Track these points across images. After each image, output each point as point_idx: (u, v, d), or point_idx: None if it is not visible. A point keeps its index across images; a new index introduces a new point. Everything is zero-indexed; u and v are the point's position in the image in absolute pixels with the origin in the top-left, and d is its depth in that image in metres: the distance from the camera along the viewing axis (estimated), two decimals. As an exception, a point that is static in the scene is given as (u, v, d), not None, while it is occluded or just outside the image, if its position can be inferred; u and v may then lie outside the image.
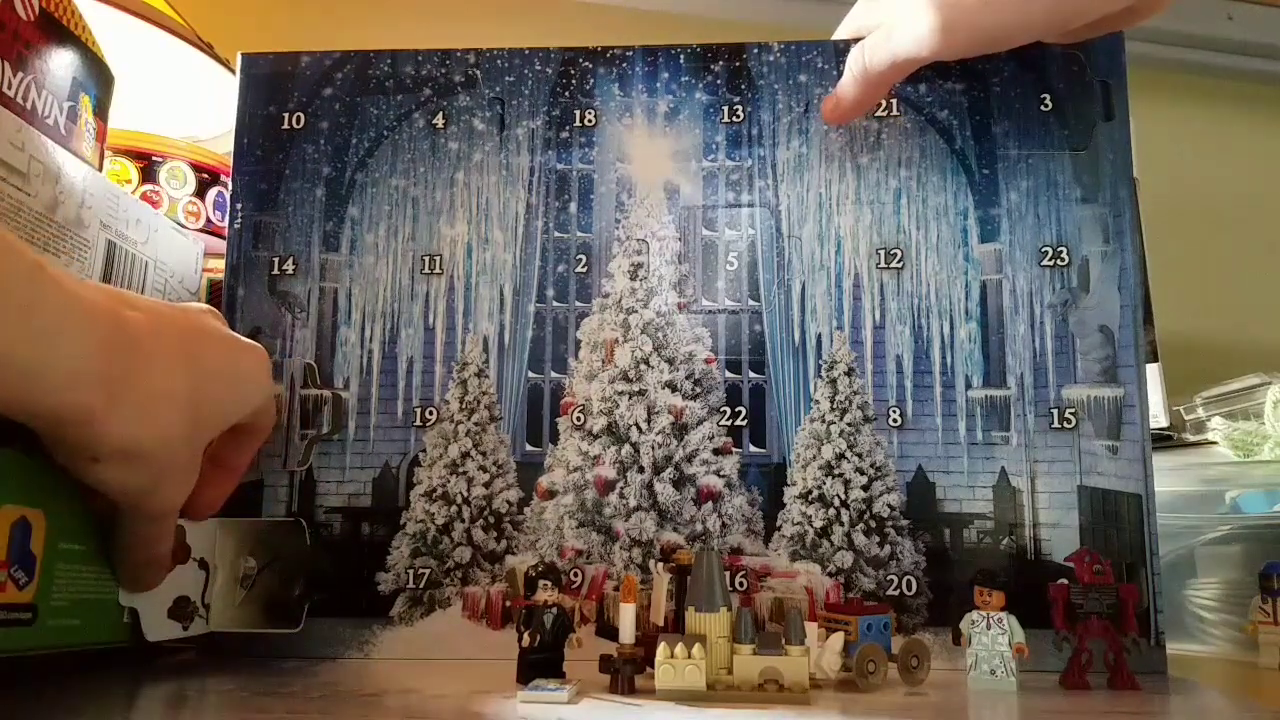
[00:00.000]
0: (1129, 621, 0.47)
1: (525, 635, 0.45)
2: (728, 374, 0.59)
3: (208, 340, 0.47)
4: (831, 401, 0.57)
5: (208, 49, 0.83)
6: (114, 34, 0.68)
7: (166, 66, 0.83)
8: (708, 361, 0.59)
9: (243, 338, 0.52)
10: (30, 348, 0.36)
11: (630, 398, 0.58)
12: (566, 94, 0.61)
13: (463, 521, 0.57)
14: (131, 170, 0.72)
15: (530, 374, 0.59)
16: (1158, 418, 0.80)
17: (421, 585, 0.56)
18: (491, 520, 0.57)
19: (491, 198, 0.61)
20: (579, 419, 0.58)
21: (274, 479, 0.58)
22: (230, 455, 0.52)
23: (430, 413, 0.58)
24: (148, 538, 0.46)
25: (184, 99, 0.89)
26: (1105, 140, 0.58)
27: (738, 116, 0.60)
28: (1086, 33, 0.57)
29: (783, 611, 0.54)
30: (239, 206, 0.61)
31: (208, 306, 0.51)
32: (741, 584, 0.56)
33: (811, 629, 0.46)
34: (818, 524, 0.56)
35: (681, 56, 0.61)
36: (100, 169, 0.56)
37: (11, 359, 0.36)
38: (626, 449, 0.58)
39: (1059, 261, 0.57)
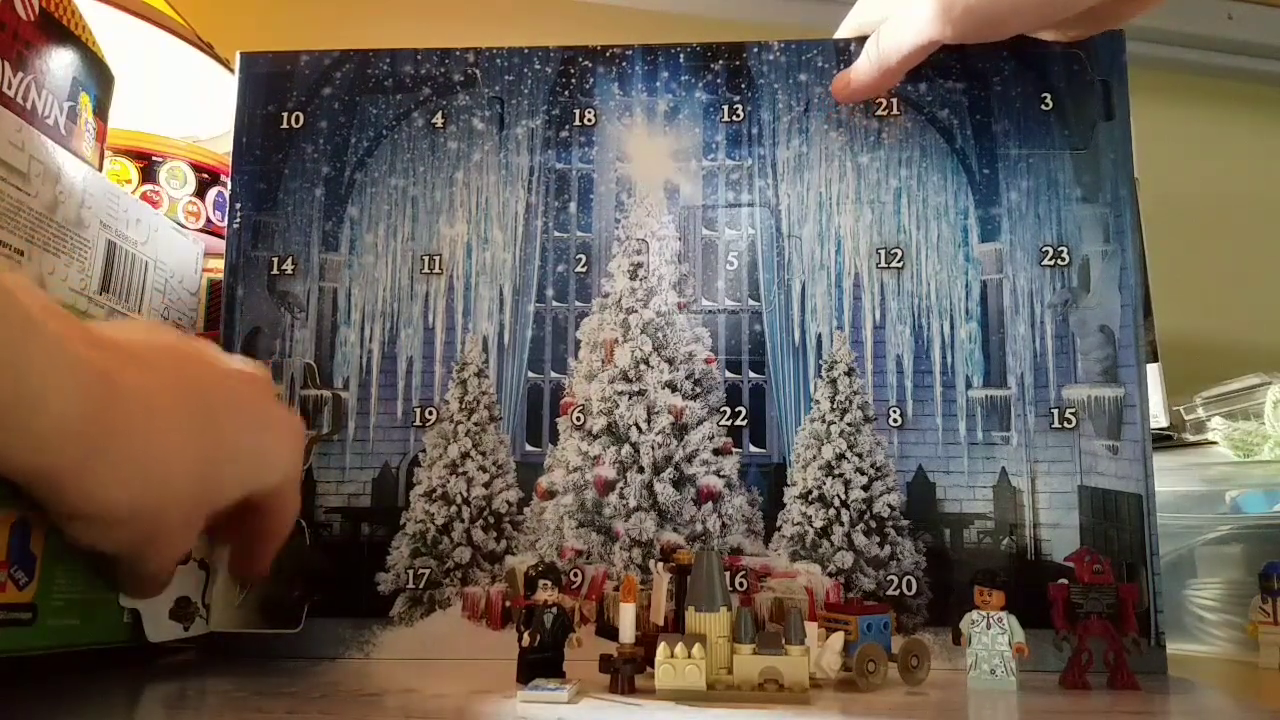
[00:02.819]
0: (1129, 621, 0.47)
1: (525, 635, 0.45)
2: (728, 374, 0.59)
3: (227, 410, 0.45)
4: (832, 401, 0.57)
5: (208, 49, 0.83)
6: (114, 34, 0.68)
7: (166, 66, 0.83)
8: (708, 361, 0.59)
9: (281, 410, 0.49)
10: (8, 408, 0.35)
11: (630, 398, 0.58)
12: (566, 93, 0.61)
13: (462, 522, 0.57)
14: (131, 170, 0.72)
15: (530, 374, 0.59)
16: (1158, 418, 0.80)
17: (421, 585, 0.56)
18: (491, 520, 0.57)
19: (491, 197, 0.61)
20: (579, 419, 0.58)
21: (274, 479, 0.57)
22: (250, 528, 0.50)
23: (430, 413, 0.58)
24: (141, 577, 0.45)
25: (184, 99, 0.89)
26: (1105, 140, 0.58)
27: (738, 116, 0.60)
28: (1088, 26, 0.57)
29: (783, 611, 0.54)
30: (238, 206, 0.61)
31: (257, 371, 0.49)
32: (741, 584, 0.56)
33: (811, 629, 0.46)
34: (818, 524, 0.56)
35: (681, 56, 0.61)
36: (100, 169, 0.56)
37: None
38: (626, 449, 0.58)
39: (1059, 261, 0.57)
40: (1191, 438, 0.80)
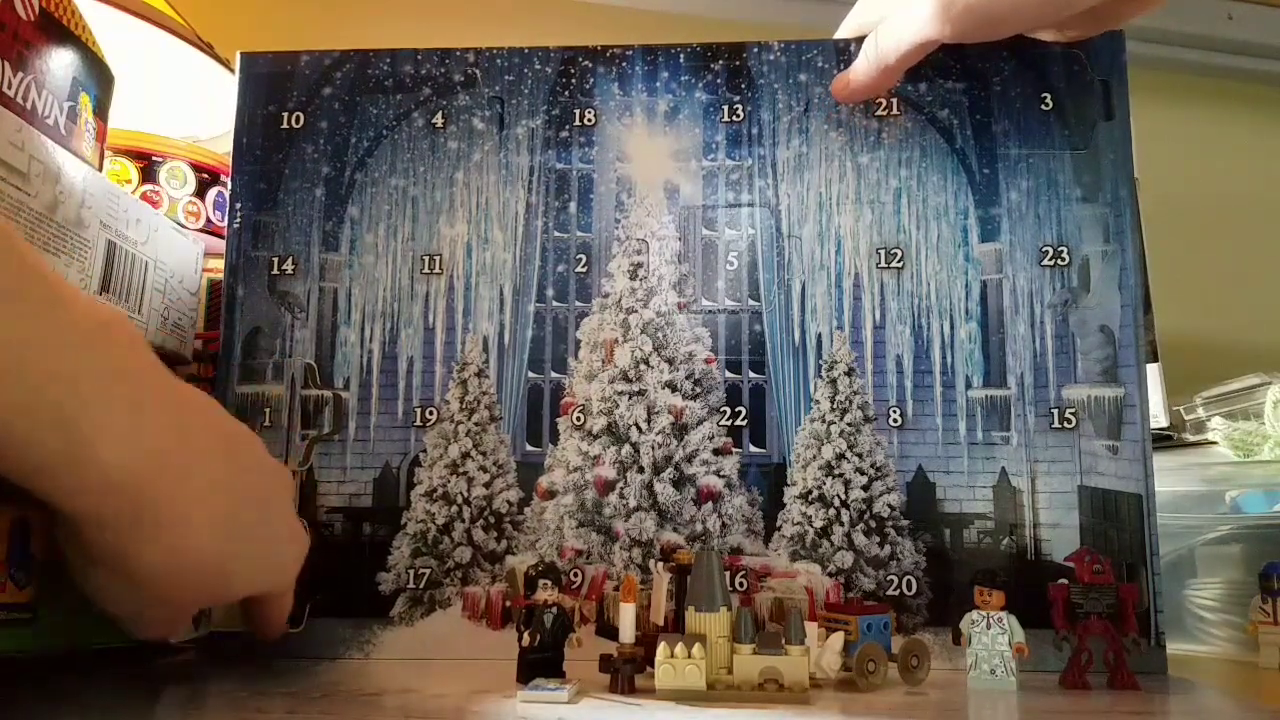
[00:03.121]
0: (1129, 621, 0.47)
1: (525, 635, 0.46)
2: (728, 374, 0.59)
3: (264, 508, 0.45)
4: (831, 401, 0.57)
5: (208, 49, 0.83)
6: (114, 34, 0.68)
7: (166, 66, 0.82)
8: (708, 361, 0.59)
9: (299, 523, 0.49)
10: (85, 439, 0.36)
11: (630, 398, 0.58)
12: (566, 93, 0.61)
13: (463, 521, 0.57)
14: (131, 170, 0.72)
15: (530, 374, 0.59)
16: (1158, 418, 0.80)
17: (422, 585, 0.56)
18: (491, 520, 0.57)
19: (491, 197, 0.61)
20: (579, 419, 0.58)
21: (274, 479, 0.57)
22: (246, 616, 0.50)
23: (430, 413, 0.58)
24: (135, 626, 0.44)
25: (184, 99, 0.89)
26: (1105, 140, 0.58)
27: (738, 116, 0.60)
28: (1087, 27, 0.57)
29: (783, 611, 0.54)
30: (238, 206, 0.61)
31: (289, 478, 0.49)
32: (741, 584, 0.56)
33: (811, 629, 0.46)
34: (818, 524, 0.56)
35: (681, 56, 0.61)
36: (100, 169, 0.56)
37: (56, 444, 0.35)
38: (626, 449, 0.58)
39: (1059, 261, 0.57)
40: (1191, 438, 0.80)
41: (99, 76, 0.55)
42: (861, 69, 0.58)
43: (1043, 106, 0.59)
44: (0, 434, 0.34)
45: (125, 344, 0.39)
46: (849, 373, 0.58)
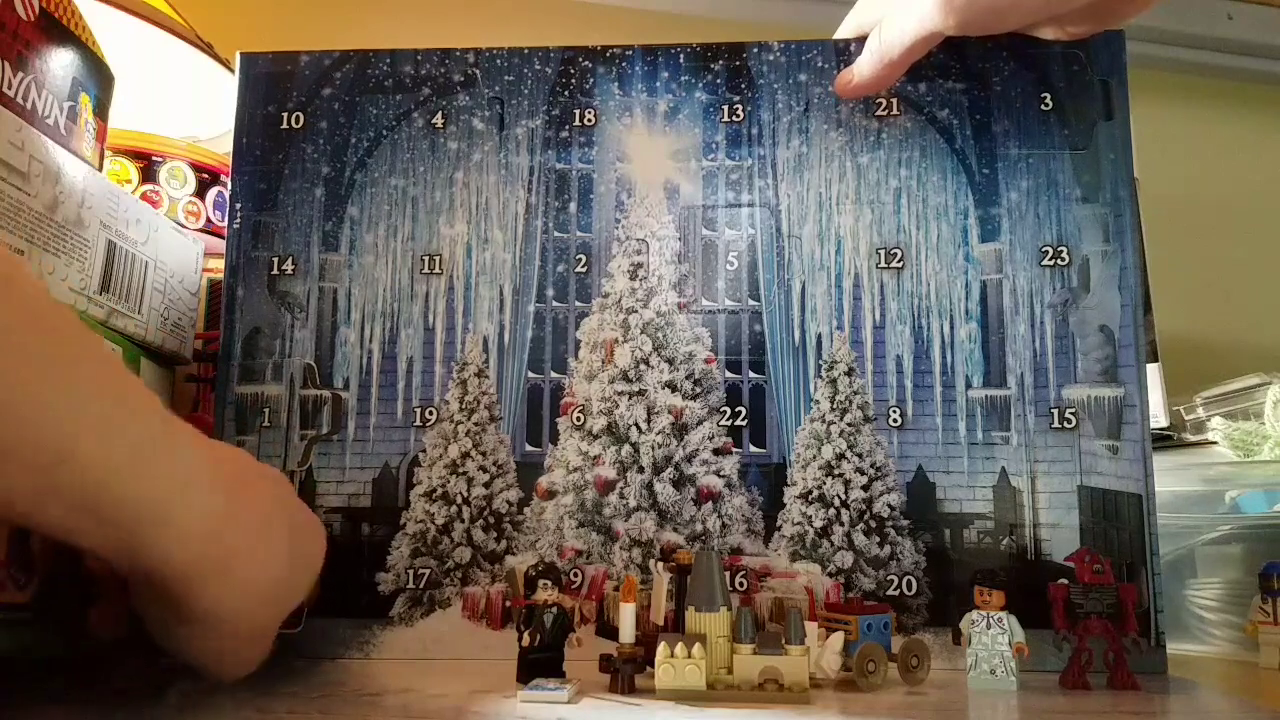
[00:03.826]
0: (1129, 621, 0.47)
1: (525, 635, 0.46)
2: (728, 374, 0.59)
3: (302, 538, 0.46)
4: (831, 401, 0.57)
5: (208, 49, 0.83)
6: (114, 34, 0.68)
7: (166, 66, 0.83)
8: (708, 361, 0.59)
9: (309, 512, 0.50)
10: (152, 503, 0.36)
11: (630, 398, 0.58)
12: (566, 93, 0.61)
13: (463, 522, 0.57)
14: (131, 170, 0.72)
15: (530, 374, 0.59)
16: (1158, 418, 0.80)
17: (421, 585, 0.56)
18: (491, 520, 0.57)
19: (491, 197, 0.61)
20: (579, 419, 0.58)
21: (274, 479, 0.58)
22: None
23: (430, 413, 0.58)
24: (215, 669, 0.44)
25: (184, 99, 0.89)
26: (1105, 140, 0.58)
27: (737, 116, 0.60)
28: (1089, 25, 0.57)
29: (783, 611, 0.54)
30: (238, 206, 0.61)
31: (272, 468, 0.50)
32: (741, 584, 0.56)
33: (811, 629, 0.46)
34: (818, 524, 0.56)
35: (681, 56, 0.61)
36: (100, 169, 0.56)
37: (140, 503, 0.35)
38: (626, 449, 0.58)
39: (1059, 261, 0.57)
40: (1191, 438, 0.80)
41: (99, 76, 0.55)
42: (865, 64, 0.58)
43: (1043, 106, 0.59)
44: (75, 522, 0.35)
45: (162, 412, 0.39)
46: (849, 373, 0.58)
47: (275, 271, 0.60)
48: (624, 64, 0.61)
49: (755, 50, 0.61)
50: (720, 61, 0.61)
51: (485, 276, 0.60)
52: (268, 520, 0.42)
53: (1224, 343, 1.18)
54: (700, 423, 0.58)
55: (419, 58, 0.62)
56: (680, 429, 0.58)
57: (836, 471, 0.56)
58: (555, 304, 0.60)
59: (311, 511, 0.50)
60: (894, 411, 0.57)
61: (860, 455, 0.57)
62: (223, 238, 0.63)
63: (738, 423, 0.58)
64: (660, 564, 0.55)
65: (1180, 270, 1.02)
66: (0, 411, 0.31)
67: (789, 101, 0.60)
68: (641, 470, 0.57)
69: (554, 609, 0.46)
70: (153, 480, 0.36)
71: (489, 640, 0.55)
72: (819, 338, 0.58)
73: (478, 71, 0.62)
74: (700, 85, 0.61)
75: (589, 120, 0.61)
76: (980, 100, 0.59)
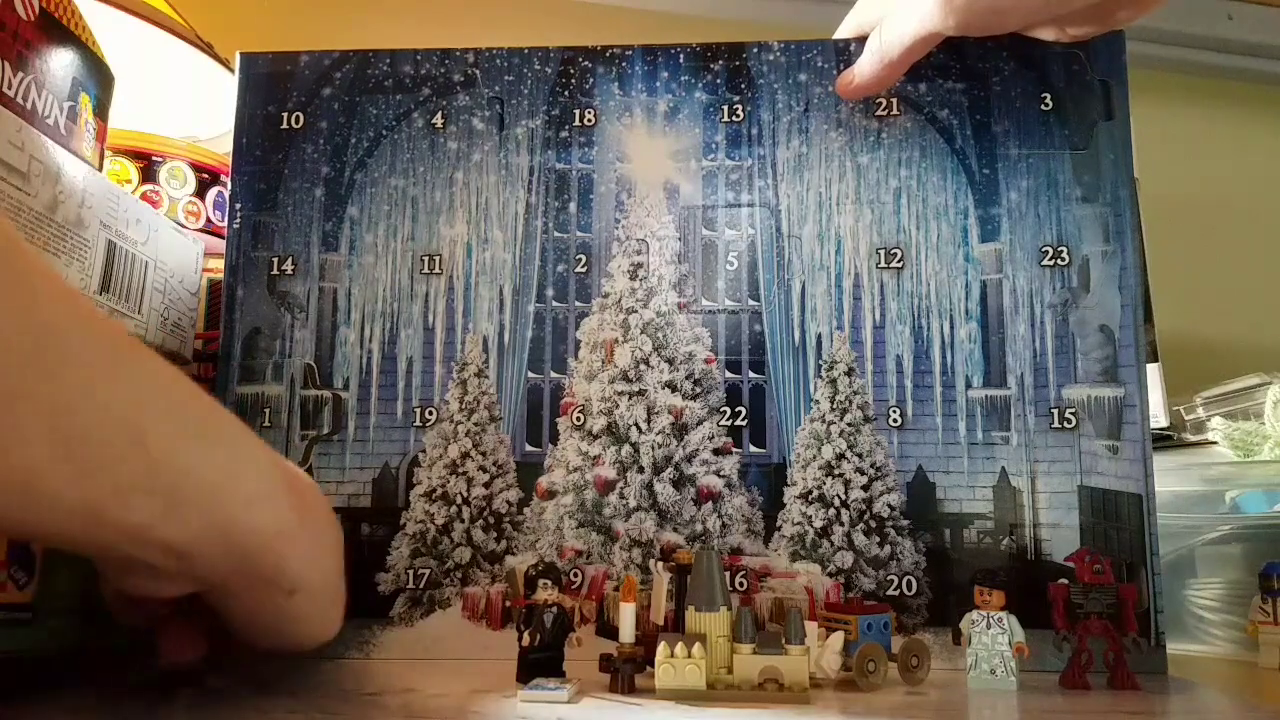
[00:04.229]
0: (1129, 621, 0.47)
1: (525, 635, 0.45)
2: (728, 374, 0.59)
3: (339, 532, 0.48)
4: (831, 401, 0.57)
5: (208, 49, 0.83)
6: (114, 34, 0.68)
7: (166, 66, 0.83)
8: (708, 361, 0.59)
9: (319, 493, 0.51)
10: (220, 466, 0.37)
11: (630, 398, 0.58)
12: (566, 93, 0.61)
13: (462, 522, 0.57)
14: (131, 170, 0.72)
15: (530, 374, 0.59)
16: (1158, 418, 0.80)
17: (421, 585, 0.56)
18: (491, 520, 0.57)
19: (491, 197, 0.61)
20: (579, 419, 0.58)
21: (274, 479, 0.57)
22: None
23: (430, 413, 0.58)
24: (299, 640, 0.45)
25: (184, 99, 0.89)
26: (1105, 140, 0.58)
27: (737, 116, 0.60)
28: (1090, 26, 0.57)
29: (783, 611, 0.54)
30: (238, 206, 0.61)
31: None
32: (741, 584, 0.56)
33: (811, 629, 0.46)
34: (818, 524, 0.56)
35: (681, 56, 0.61)
36: (100, 169, 0.56)
37: (201, 477, 0.36)
38: (626, 449, 0.58)
39: (1059, 261, 0.57)
40: (1191, 438, 0.80)
41: (99, 76, 0.55)
42: (866, 64, 0.58)
43: (1043, 106, 0.59)
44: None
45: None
46: (849, 373, 0.58)
47: (275, 271, 0.60)
48: (624, 64, 0.61)
49: (755, 50, 0.61)
50: (720, 61, 0.61)
51: (485, 276, 0.60)
52: (312, 484, 0.44)
53: (1224, 343, 1.18)
54: (700, 423, 0.58)
55: (419, 58, 0.62)
56: (680, 429, 0.58)
57: (836, 471, 0.56)
58: (555, 304, 0.60)
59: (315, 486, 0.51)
60: (894, 411, 0.57)
61: (860, 455, 0.57)
62: (223, 238, 0.63)
63: (738, 423, 0.58)
64: (660, 564, 0.55)
65: (1180, 270, 1.02)
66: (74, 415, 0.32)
67: (789, 101, 0.60)
68: (641, 470, 0.57)
69: (554, 609, 0.46)
70: (225, 452, 0.37)
71: (489, 640, 0.55)
72: (819, 338, 0.58)
73: (478, 71, 0.62)
74: (700, 85, 0.61)
75: (589, 120, 0.61)
76: (980, 100, 0.59)
